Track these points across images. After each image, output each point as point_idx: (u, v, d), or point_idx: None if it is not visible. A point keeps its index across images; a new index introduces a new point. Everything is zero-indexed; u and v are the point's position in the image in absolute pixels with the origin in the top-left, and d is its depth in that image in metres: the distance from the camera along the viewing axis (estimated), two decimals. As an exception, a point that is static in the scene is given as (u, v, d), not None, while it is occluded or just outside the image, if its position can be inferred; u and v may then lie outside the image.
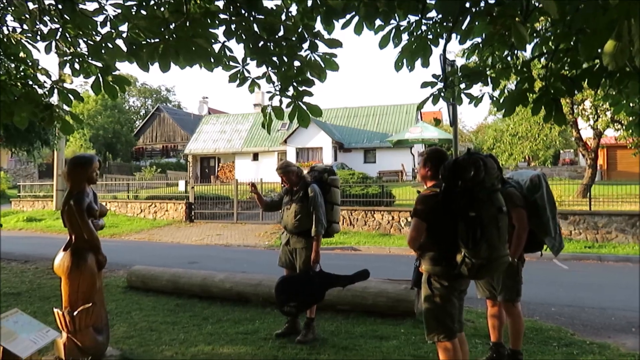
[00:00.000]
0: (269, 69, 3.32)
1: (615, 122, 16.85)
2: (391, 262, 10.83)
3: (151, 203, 19.88)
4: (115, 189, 23.85)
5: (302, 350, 4.70)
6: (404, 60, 3.73)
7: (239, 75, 3.33)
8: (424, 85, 3.92)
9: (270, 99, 3.43)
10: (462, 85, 3.92)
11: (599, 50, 2.23)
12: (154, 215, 19.53)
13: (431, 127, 27.16)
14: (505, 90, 4.08)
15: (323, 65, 3.15)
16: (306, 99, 3.37)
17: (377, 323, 5.58)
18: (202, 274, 6.90)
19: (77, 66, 3.45)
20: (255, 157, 34.38)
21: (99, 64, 3.34)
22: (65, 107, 3.46)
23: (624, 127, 16.56)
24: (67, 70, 3.40)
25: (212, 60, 3.29)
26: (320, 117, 3.28)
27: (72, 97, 3.46)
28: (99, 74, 3.45)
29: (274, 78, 3.35)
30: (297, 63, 3.33)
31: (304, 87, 3.34)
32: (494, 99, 3.90)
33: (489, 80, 3.89)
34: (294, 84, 3.35)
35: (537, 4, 3.06)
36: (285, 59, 3.24)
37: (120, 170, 38.23)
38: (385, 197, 16.45)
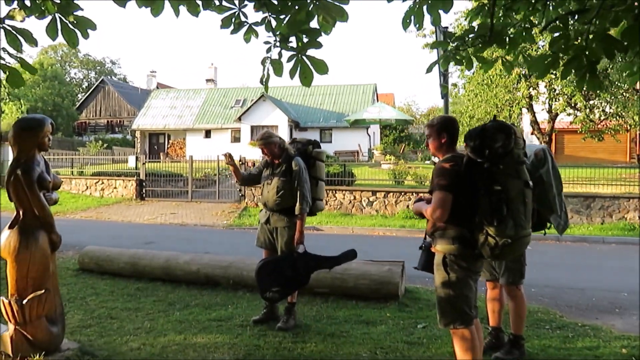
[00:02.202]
0: (270, 13, 2.79)
1: (570, 105, 17.21)
2: (355, 242, 10.53)
3: (98, 180, 18.69)
4: (57, 165, 22.27)
5: (285, 338, 4.28)
6: (413, 18, 3.29)
7: (233, 19, 2.79)
8: (435, 45, 3.52)
9: (268, 50, 2.91)
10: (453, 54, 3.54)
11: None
12: (101, 193, 18.39)
13: (389, 108, 27.05)
14: (524, 54, 3.70)
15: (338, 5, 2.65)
16: (311, 52, 2.88)
17: (360, 307, 5.23)
18: (165, 255, 6.31)
19: (27, 2, 2.80)
20: (208, 134, 33.25)
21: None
22: (13, 51, 2.80)
23: (579, 111, 16.94)
24: (16, 5, 2.74)
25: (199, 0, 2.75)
26: (326, 72, 2.80)
27: (22, 40, 2.80)
28: (57, 13, 2.81)
29: (275, 25, 2.83)
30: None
31: (309, 38, 2.83)
32: (529, 59, 3.52)
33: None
34: (298, 33, 2.83)
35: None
36: (289, 1, 2.73)
37: (61, 145, 35.90)
38: (347, 176, 16.14)
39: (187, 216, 14.58)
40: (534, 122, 18.74)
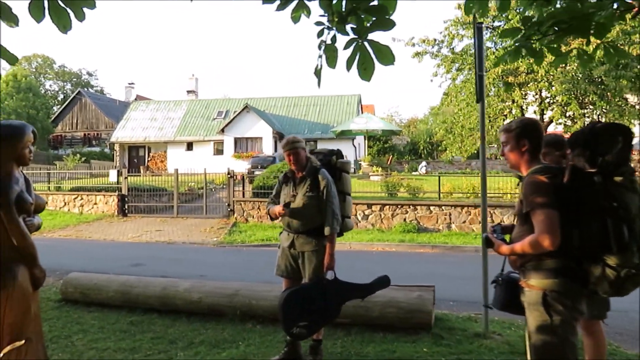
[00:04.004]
0: (327, -15, 2.17)
1: (564, 115, 16.95)
2: (356, 258, 9.92)
3: (77, 195, 17.69)
4: (32, 180, 21.16)
5: (315, 384, 3.60)
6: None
7: (281, -9, 2.16)
8: (503, 34, 2.93)
9: (320, 34, 2.27)
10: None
11: None
12: (80, 209, 17.39)
13: (376, 118, 26.64)
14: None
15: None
16: (374, 36, 2.25)
17: (390, 340, 4.57)
18: (161, 283, 5.56)
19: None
20: (190, 146, 32.38)
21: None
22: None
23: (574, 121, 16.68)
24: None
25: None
26: (392, 62, 2.15)
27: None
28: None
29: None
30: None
31: (375, 17, 2.21)
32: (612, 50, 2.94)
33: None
34: (358, 11, 2.21)
35: None
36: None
37: (36, 159, 34.61)
38: (339, 189, 15.50)
39: (174, 233, 13.74)
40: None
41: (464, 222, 13.65)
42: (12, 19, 2.13)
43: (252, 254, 10.89)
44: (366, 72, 2.31)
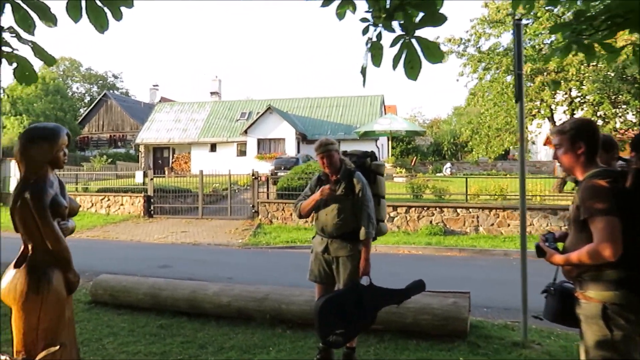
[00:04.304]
0: (373, -21, 2.06)
1: (595, 115, 16.49)
2: (382, 262, 9.71)
3: (104, 196, 17.92)
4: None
5: (351, 394, 3.49)
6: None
7: (326, -14, 2.06)
8: (554, 29, 2.77)
9: (365, 31, 2.16)
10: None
11: None
12: (107, 210, 17.61)
13: (400, 119, 26.40)
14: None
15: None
16: (421, 32, 2.13)
17: (424, 348, 4.43)
18: (190, 285, 5.52)
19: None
20: (213, 147, 32.56)
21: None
22: (24, 34, 2.06)
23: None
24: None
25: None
26: (441, 60, 2.02)
27: (36, 18, 2.05)
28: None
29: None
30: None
31: (424, 12, 2.09)
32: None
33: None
34: (406, 7, 2.10)
35: None
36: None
37: (63, 160, 35.26)
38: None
39: (199, 234, 13.78)
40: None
41: (492, 224, 13.37)
42: (51, 19, 2.08)
43: (278, 256, 10.83)
44: (413, 70, 2.19)
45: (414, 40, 2.15)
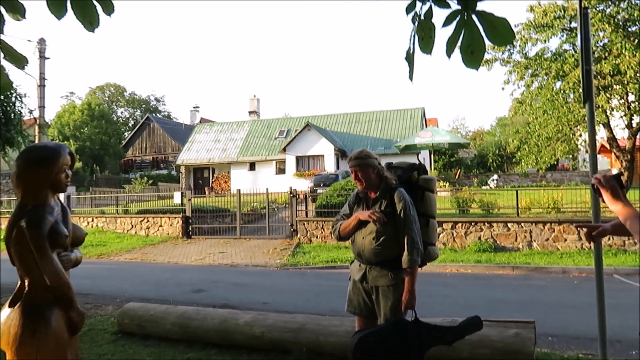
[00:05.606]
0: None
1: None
2: (429, 282, 9.08)
3: (143, 218, 17.95)
4: (103, 203, 21.88)
5: None
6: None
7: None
8: None
9: (410, 8, 1.69)
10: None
11: None
12: (146, 232, 17.61)
13: (442, 131, 25.58)
14: None
15: None
16: (484, 5, 1.64)
17: (485, 388, 3.83)
18: (221, 315, 5.11)
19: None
20: (252, 166, 32.58)
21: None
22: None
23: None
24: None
25: None
26: (512, 40, 1.49)
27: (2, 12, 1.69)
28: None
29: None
30: None
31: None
32: None
33: None
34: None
35: None
36: None
37: (108, 183, 36.17)
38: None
39: (237, 255, 13.45)
40: (612, 139, 16.85)
41: (547, 239, 12.45)
42: (19, 10, 1.71)
43: (318, 277, 10.34)
44: (474, 56, 1.71)
45: (474, 17, 1.66)
